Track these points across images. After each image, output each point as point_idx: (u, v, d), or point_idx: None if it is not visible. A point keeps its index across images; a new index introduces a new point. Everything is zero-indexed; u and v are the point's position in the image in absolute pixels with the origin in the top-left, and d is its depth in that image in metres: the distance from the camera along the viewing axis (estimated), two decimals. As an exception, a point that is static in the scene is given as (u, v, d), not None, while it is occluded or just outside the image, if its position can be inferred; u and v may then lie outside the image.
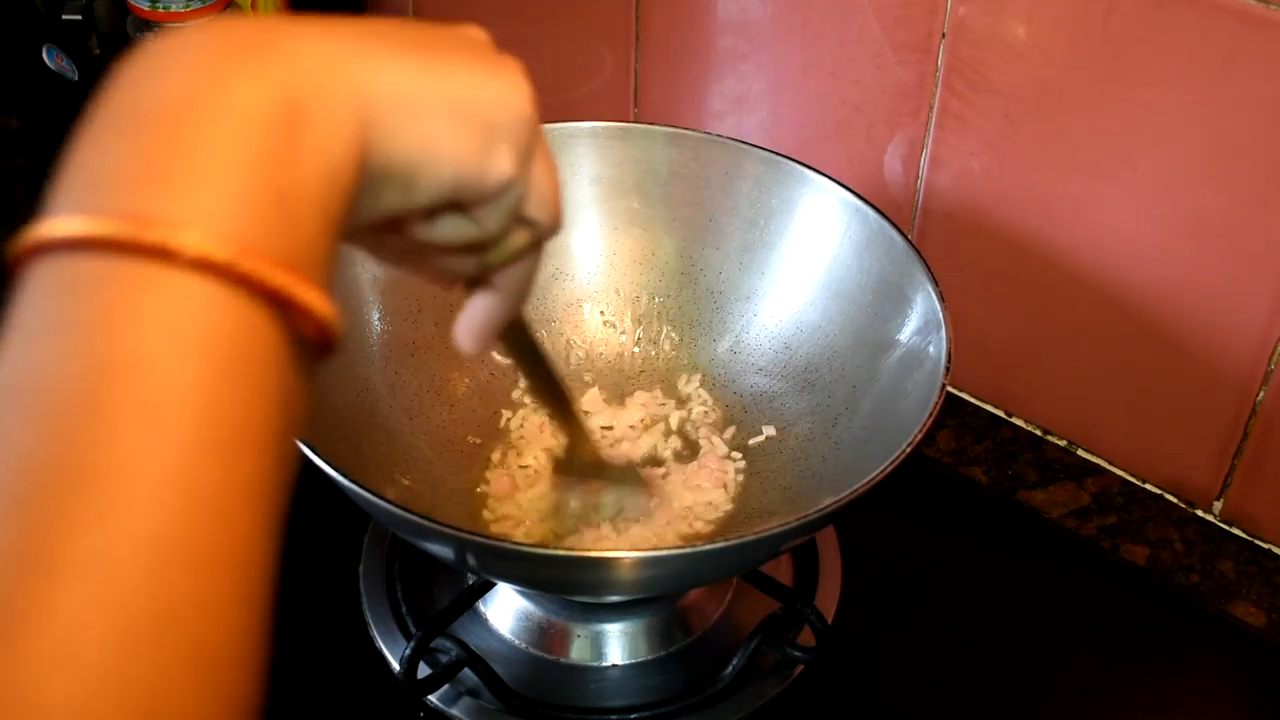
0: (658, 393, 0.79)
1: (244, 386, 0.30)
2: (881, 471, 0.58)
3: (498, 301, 0.48)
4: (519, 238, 0.44)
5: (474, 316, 0.49)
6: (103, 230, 0.30)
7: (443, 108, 0.38)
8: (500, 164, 0.39)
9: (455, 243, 0.43)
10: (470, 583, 0.72)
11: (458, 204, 0.40)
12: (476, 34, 0.43)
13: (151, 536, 0.27)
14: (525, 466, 0.75)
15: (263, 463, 0.30)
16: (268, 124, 0.32)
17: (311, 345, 0.33)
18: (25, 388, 0.29)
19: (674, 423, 0.78)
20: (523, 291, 0.49)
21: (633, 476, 0.73)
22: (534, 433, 0.77)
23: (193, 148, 0.31)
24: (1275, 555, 0.81)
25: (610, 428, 0.78)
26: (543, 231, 0.45)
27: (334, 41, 0.36)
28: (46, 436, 0.28)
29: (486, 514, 0.73)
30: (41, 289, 0.30)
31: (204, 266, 0.30)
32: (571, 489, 0.72)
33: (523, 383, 0.78)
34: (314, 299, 0.32)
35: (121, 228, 0.30)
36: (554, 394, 0.63)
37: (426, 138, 0.37)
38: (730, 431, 0.77)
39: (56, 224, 0.30)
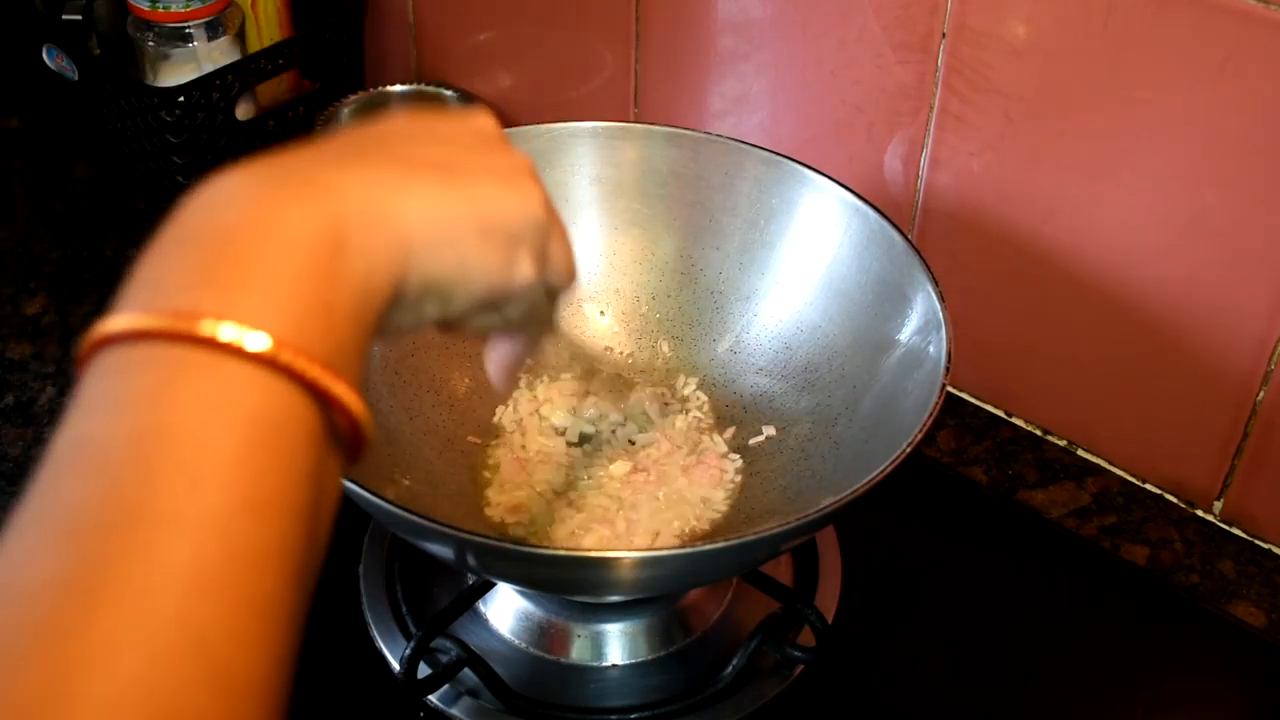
0: (658, 392, 0.79)
1: (279, 458, 0.34)
2: (881, 471, 0.58)
3: (520, 343, 0.54)
4: (540, 301, 0.50)
5: (501, 357, 0.55)
6: (157, 323, 0.34)
7: (473, 230, 0.42)
8: (524, 270, 0.45)
9: (483, 330, 0.50)
10: (470, 583, 0.72)
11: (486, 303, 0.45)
12: (488, 125, 0.48)
13: (185, 572, 0.30)
14: (527, 450, 0.76)
15: (293, 528, 0.34)
16: (314, 246, 0.37)
17: (345, 440, 0.37)
18: (82, 448, 0.33)
19: (674, 423, 0.78)
20: (541, 333, 0.54)
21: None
22: (531, 421, 0.77)
23: (244, 261, 0.35)
24: (1275, 555, 0.81)
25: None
26: (559, 290, 0.51)
27: (374, 176, 0.40)
28: (98, 486, 0.31)
29: (490, 492, 0.73)
30: (100, 373, 0.34)
31: (248, 355, 0.34)
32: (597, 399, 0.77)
33: (524, 381, 0.79)
34: (346, 394, 0.36)
35: (174, 322, 0.33)
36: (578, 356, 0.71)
37: (461, 259, 0.42)
38: (730, 431, 0.77)
39: (116, 320, 0.34)
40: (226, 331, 0.33)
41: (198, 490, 0.31)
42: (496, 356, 0.55)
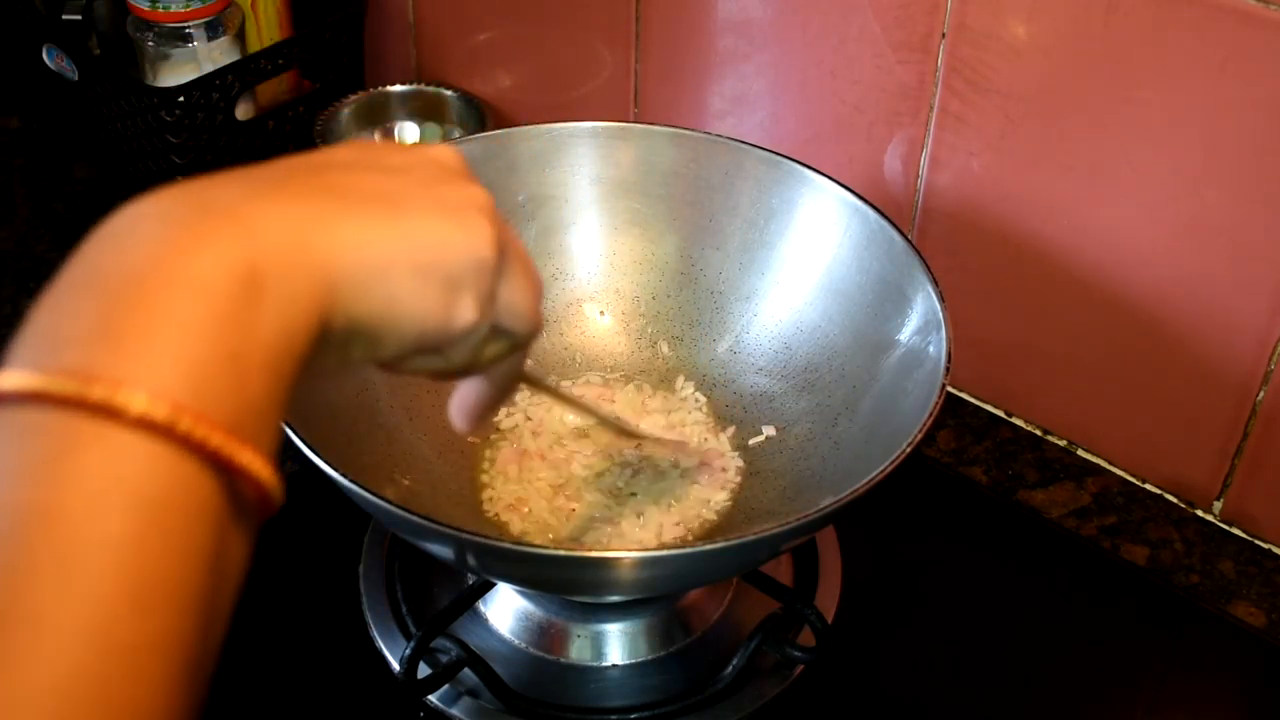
0: (658, 392, 0.79)
1: (171, 543, 0.31)
2: (881, 471, 0.58)
3: (486, 387, 0.51)
4: (495, 347, 0.46)
5: (466, 400, 0.51)
6: (49, 385, 0.31)
7: (407, 268, 0.39)
8: (463, 314, 0.41)
9: (427, 372, 0.46)
10: (470, 583, 0.72)
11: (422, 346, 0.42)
12: (448, 158, 0.44)
13: (55, 686, 0.28)
14: (528, 450, 0.76)
15: (182, 619, 0.31)
16: (226, 291, 0.34)
17: (251, 508, 0.34)
18: None
19: (674, 422, 0.78)
20: (511, 380, 0.51)
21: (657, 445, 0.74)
22: (533, 421, 0.77)
23: (148, 311, 0.33)
24: (1275, 555, 0.81)
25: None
26: (521, 339, 0.47)
27: (301, 208, 0.37)
28: None
29: (490, 491, 0.74)
30: None
31: (144, 424, 0.31)
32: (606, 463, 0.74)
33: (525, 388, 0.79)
34: (254, 462, 0.33)
35: (67, 383, 0.31)
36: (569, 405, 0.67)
37: (391, 300, 0.39)
38: (730, 431, 0.77)
39: (6, 377, 0.32)
40: (122, 397, 0.31)
41: (75, 586, 0.29)
42: (461, 399, 0.52)
